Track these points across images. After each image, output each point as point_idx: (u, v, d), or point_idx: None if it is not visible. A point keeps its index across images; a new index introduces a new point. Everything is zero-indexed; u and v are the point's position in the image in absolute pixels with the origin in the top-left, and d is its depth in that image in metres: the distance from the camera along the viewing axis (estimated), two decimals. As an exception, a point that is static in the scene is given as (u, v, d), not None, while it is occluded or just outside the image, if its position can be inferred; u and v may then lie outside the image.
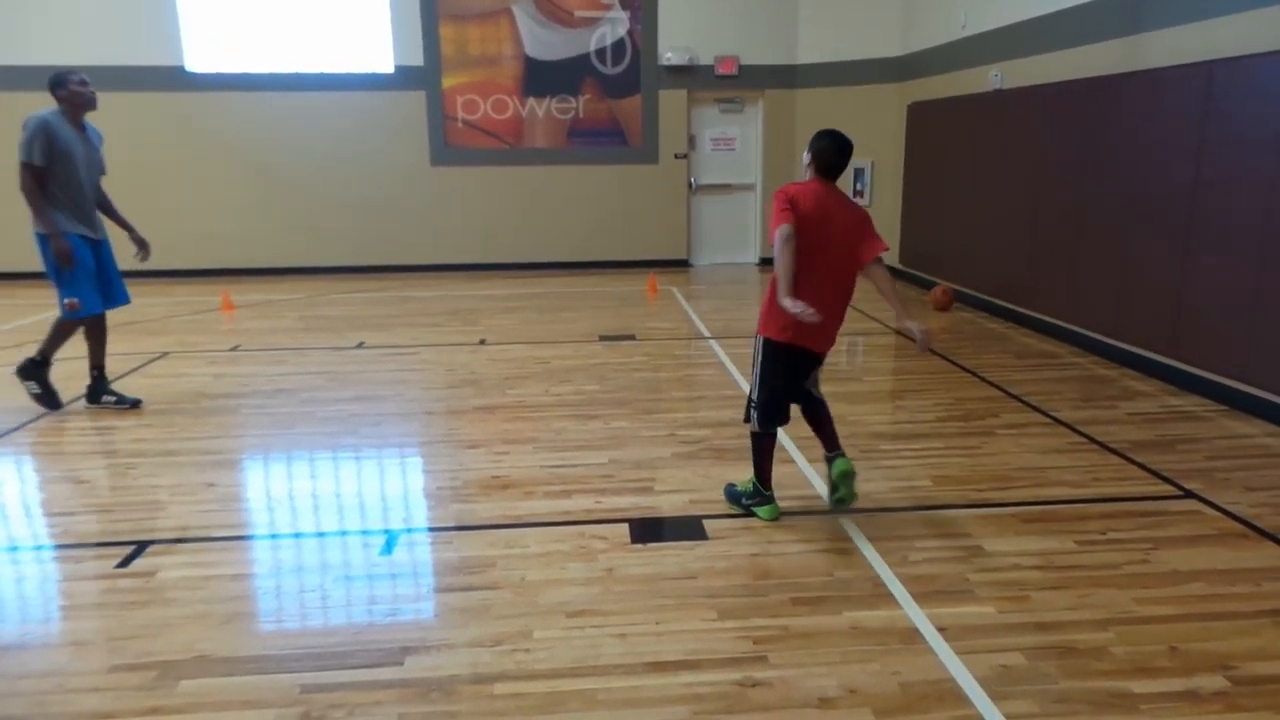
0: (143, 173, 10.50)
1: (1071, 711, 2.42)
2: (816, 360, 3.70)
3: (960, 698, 2.48)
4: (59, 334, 5.25)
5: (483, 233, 11.10)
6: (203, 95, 10.46)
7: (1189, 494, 3.91)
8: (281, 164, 10.71)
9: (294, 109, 10.57)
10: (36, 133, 4.78)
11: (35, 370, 5.26)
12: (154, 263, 5.55)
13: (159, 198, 10.55)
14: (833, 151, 3.49)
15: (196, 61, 10.40)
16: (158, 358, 6.67)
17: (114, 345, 6.69)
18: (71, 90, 4.91)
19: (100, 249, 5.21)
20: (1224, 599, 3.02)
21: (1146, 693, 2.50)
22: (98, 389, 5.40)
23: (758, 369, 3.62)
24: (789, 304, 3.25)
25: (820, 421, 3.77)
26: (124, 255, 5.42)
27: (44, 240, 4.92)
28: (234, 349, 6.97)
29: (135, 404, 5.40)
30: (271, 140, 10.64)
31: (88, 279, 5.08)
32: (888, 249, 3.62)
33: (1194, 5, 5.47)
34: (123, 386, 5.84)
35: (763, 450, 3.73)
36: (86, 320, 5.23)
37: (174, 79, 10.36)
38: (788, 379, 3.62)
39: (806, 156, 3.60)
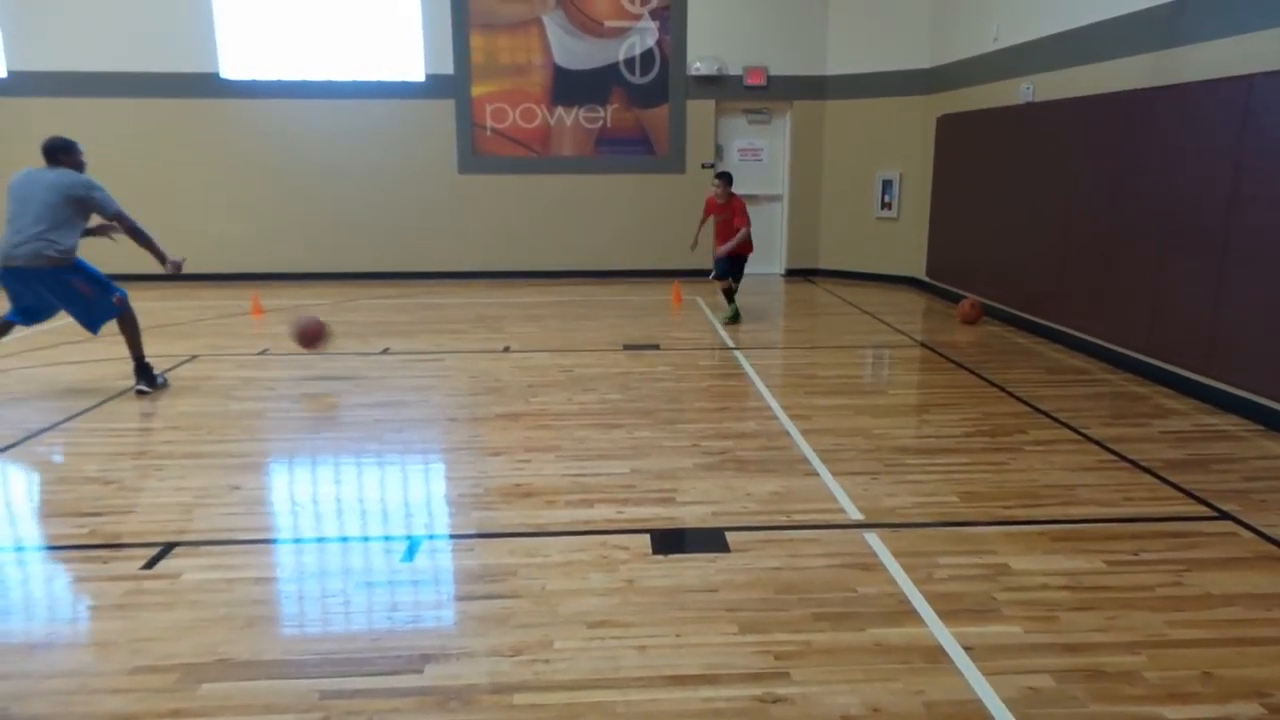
0: (176, 178, 10.68)
1: (1101, 737, 2.36)
2: (735, 260, 8.34)
3: (986, 719, 2.43)
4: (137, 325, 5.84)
5: (509, 240, 11.16)
6: (237, 102, 10.62)
7: (1224, 515, 3.82)
8: (312, 170, 10.84)
9: (326, 116, 10.70)
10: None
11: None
12: (185, 266, 5.84)
13: (191, 202, 10.72)
14: (726, 180, 8.24)
15: (231, 68, 10.57)
16: (187, 360, 6.75)
17: (145, 348, 6.78)
18: (80, 160, 5.68)
19: None
20: (1260, 624, 2.94)
21: (1179, 719, 2.44)
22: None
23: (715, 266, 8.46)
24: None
25: (729, 293, 8.48)
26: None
27: (80, 264, 5.59)
28: (262, 353, 7.05)
29: None
30: (303, 147, 10.78)
31: None
32: (747, 224, 8.16)
33: (1232, 19, 5.38)
34: (155, 390, 5.92)
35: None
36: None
37: (209, 86, 10.53)
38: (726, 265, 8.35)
39: (718, 182, 8.25)
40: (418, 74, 10.71)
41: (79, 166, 5.67)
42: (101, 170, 10.48)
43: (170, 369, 6.45)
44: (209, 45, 10.45)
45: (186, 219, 10.68)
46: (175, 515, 3.85)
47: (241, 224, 10.87)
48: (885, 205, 10.70)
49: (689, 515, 3.84)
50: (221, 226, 10.79)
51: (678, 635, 2.87)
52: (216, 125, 10.64)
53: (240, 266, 10.94)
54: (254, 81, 10.60)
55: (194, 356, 6.90)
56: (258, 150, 10.74)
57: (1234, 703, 2.51)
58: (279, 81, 10.60)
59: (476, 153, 10.93)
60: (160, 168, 10.65)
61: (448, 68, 10.69)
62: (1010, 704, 2.49)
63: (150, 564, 3.36)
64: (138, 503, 4.00)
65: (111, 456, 4.60)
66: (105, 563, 3.41)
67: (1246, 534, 3.63)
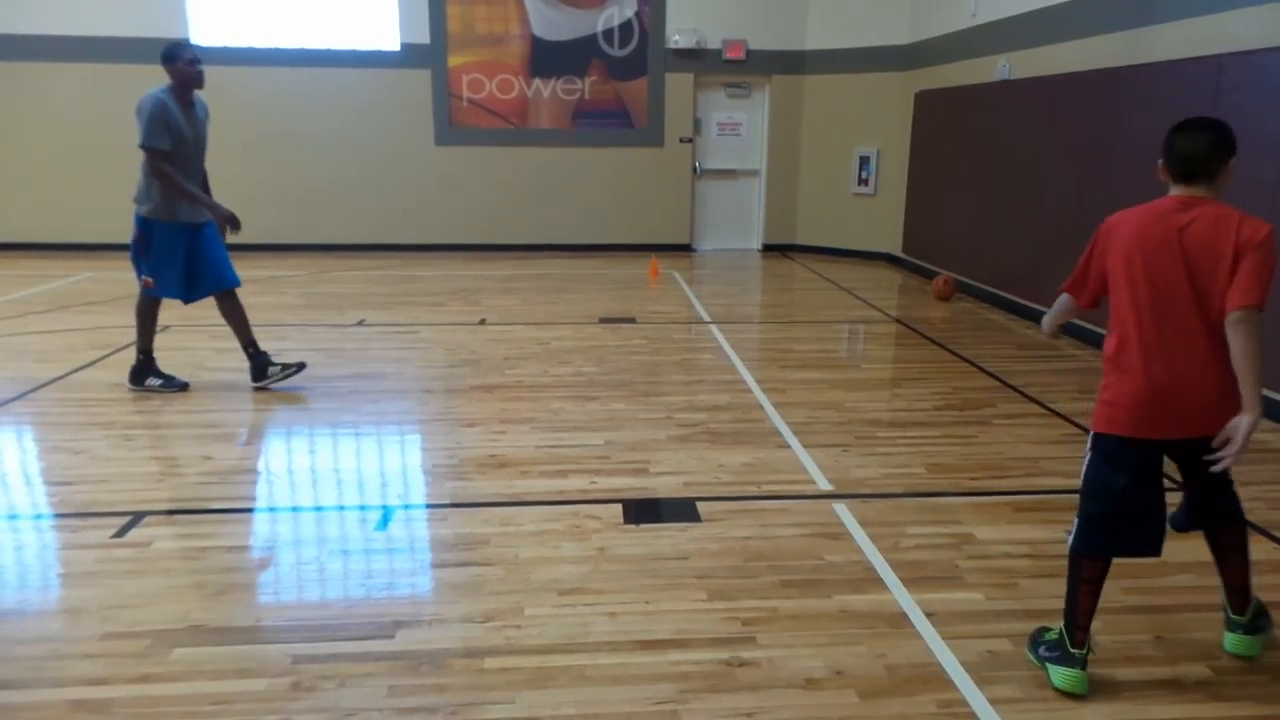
0: (147, 146, 10.47)
1: (1055, 697, 2.44)
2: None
3: (946, 682, 2.50)
4: (144, 317, 5.17)
5: (486, 213, 11.08)
6: (208, 69, 10.36)
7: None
8: (286, 140, 10.68)
9: (299, 85, 10.53)
10: (156, 116, 4.76)
11: (146, 368, 5.19)
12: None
13: (163, 171, 10.53)
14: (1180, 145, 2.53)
15: (202, 35, 10.35)
16: (159, 331, 6.66)
17: (113, 318, 6.74)
18: (179, 69, 4.92)
19: (202, 232, 5.11)
20: (1211, 590, 3.01)
21: (1130, 680, 2.52)
22: (262, 363, 5.22)
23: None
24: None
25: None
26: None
27: (144, 223, 4.92)
28: (235, 324, 6.97)
29: (300, 367, 5.27)
30: (276, 116, 10.61)
31: (174, 264, 5.00)
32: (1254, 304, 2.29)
33: (1204, -3, 5.43)
34: (123, 359, 5.86)
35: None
36: (157, 301, 5.18)
37: (179, 52, 10.30)
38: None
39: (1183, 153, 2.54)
40: (393, 43, 10.56)
41: (172, 79, 4.95)
42: (66, 138, 10.37)
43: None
44: (179, 10, 10.22)
45: (157, 188, 10.48)
46: (146, 484, 3.83)
47: (215, 194, 10.63)
48: (862, 181, 10.73)
49: (661, 486, 3.88)
50: (193, 196, 10.60)
51: (648, 602, 2.92)
52: (187, 92, 10.42)
53: (213, 237, 10.77)
54: (225, 48, 10.39)
55: (166, 327, 6.80)
56: (229, 118, 10.45)
57: (1183, 665, 2.60)
58: (251, 49, 10.40)
59: (453, 124, 10.82)
60: (128, 137, 10.40)
61: (424, 37, 10.54)
62: (969, 667, 2.56)
63: (121, 532, 3.35)
64: (108, 472, 3.98)
65: (80, 426, 4.57)
66: (75, 531, 3.40)
67: (1203, 505, 3.72)
